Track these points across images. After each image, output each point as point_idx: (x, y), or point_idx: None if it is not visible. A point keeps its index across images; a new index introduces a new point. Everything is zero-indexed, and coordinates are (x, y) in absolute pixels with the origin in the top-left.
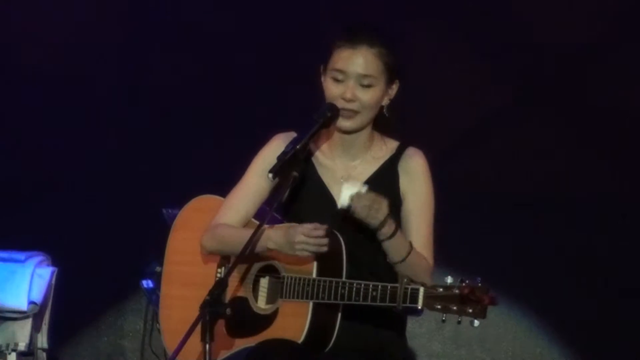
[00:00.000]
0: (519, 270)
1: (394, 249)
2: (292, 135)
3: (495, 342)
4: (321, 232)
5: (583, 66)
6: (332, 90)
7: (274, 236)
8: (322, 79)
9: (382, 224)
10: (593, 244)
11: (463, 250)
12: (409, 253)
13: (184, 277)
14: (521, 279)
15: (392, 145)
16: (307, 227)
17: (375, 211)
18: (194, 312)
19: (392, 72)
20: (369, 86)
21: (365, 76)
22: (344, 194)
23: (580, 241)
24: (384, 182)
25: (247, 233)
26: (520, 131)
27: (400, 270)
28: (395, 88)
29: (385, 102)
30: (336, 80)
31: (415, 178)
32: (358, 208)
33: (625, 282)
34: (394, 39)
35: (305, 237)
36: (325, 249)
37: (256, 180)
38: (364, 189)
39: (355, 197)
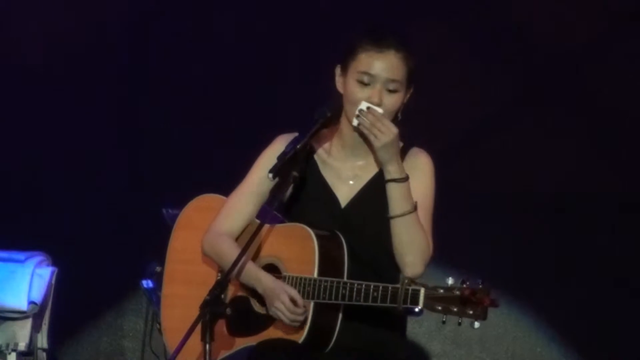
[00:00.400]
0: (518, 270)
1: (399, 196)
2: (295, 136)
3: (495, 342)
4: (299, 311)
5: (583, 66)
6: (357, 93)
7: (264, 282)
8: (340, 79)
9: (388, 154)
10: (593, 243)
11: (463, 250)
12: (411, 211)
13: (186, 276)
14: (521, 279)
15: None
16: (292, 297)
17: (379, 131)
18: (196, 311)
19: (412, 77)
20: (394, 91)
21: (392, 81)
22: (356, 110)
23: (580, 241)
24: None
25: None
26: (520, 131)
27: (397, 229)
28: (410, 92)
29: (400, 106)
30: (362, 83)
31: (418, 174)
32: (364, 121)
33: (625, 282)
34: (411, 43)
35: (283, 307)
36: (296, 324)
37: (259, 182)
38: (379, 110)
39: (362, 112)
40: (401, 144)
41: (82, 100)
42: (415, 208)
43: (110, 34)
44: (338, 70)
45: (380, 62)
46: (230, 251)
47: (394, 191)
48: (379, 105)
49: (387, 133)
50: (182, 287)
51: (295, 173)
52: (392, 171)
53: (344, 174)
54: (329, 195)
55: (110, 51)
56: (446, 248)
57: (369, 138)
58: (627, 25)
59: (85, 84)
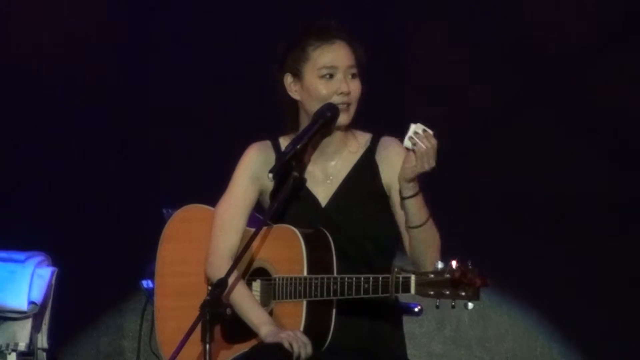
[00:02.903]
0: (518, 270)
1: (418, 207)
2: (266, 144)
3: (495, 342)
4: (305, 340)
5: (583, 66)
6: (323, 89)
7: (270, 328)
8: (295, 86)
9: (415, 175)
10: (593, 243)
11: (463, 250)
12: (429, 217)
13: (176, 288)
14: (521, 279)
15: (365, 137)
16: (300, 338)
17: (432, 159)
18: (189, 322)
19: (362, 63)
20: (355, 76)
21: (352, 66)
22: (410, 132)
23: (580, 241)
24: (364, 175)
25: (248, 303)
26: (520, 131)
27: (419, 235)
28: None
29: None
30: (325, 77)
31: (397, 165)
32: (421, 146)
33: (625, 282)
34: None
35: (290, 332)
36: (300, 347)
37: (243, 192)
38: (431, 132)
39: (419, 135)
40: (369, 136)
41: (82, 100)
42: (431, 214)
43: (110, 34)
44: (288, 79)
45: (335, 52)
46: (238, 291)
47: (413, 206)
48: (348, 93)
49: (433, 162)
50: (174, 299)
51: (295, 173)
52: (411, 187)
53: (319, 174)
54: (308, 197)
55: (109, 51)
56: (446, 248)
57: (419, 161)
58: (627, 25)
59: (85, 84)
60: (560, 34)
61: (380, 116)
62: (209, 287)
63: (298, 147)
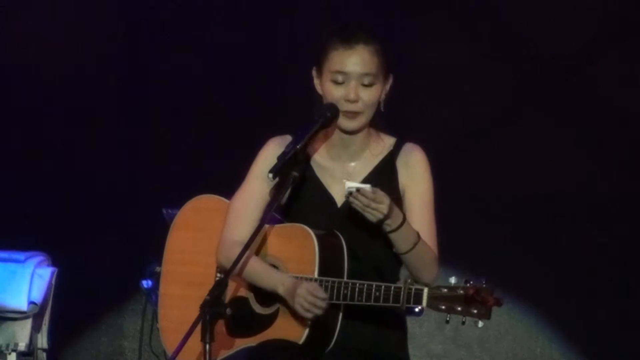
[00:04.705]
0: (518, 270)
1: (400, 240)
2: (287, 138)
3: (495, 342)
4: (320, 296)
5: (583, 67)
6: (333, 92)
7: (286, 283)
8: (317, 81)
9: (384, 219)
10: (593, 244)
11: (463, 250)
12: (415, 244)
13: (184, 277)
14: (521, 279)
15: (389, 141)
16: (312, 286)
17: (373, 210)
18: (194, 312)
19: (387, 67)
20: (370, 85)
21: (366, 75)
22: (346, 191)
23: (580, 241)
24: (383, 178)
25: (261, 268)
26: (520, 131)
27: (406, 260)
28: (389, 82)
29: (382, 97)
30: (336, 82)
31: (415, 171)
32: (357, 204)
33: (625, 282)
34: (384, 33)
35: (305, 292)
36: (318, 311)
37: (259, 186)
38: (366, 187)
39: (353, 194)
40: (394, 140)
41: (82, 100)
42: (419, 237)
43: (111, 35)
44: (314, 73)
45: (352, 58)
46: (248, 261)
47: (397, 236)
48: (356, 101)
49: (380, 210)
50: (180, 288)
51: (295, 173)
52: (390, 224)
53: (338, 173)
54: (325, 195)
55: (109, 51)
56: (446, 248)
57: (365, 213)
58: (627, 26)
59: (85, 84)
60: (560, 35)
61: (380, 116)
62: (217, 276)
63: (298, 146)
